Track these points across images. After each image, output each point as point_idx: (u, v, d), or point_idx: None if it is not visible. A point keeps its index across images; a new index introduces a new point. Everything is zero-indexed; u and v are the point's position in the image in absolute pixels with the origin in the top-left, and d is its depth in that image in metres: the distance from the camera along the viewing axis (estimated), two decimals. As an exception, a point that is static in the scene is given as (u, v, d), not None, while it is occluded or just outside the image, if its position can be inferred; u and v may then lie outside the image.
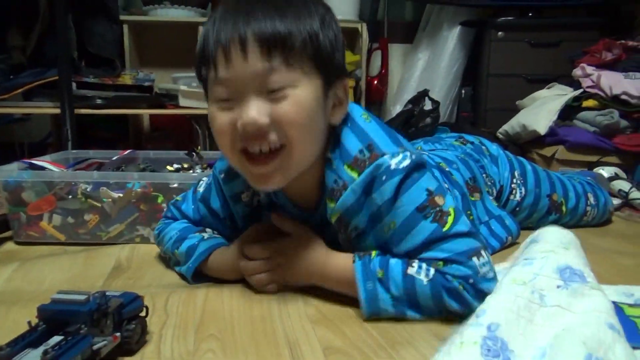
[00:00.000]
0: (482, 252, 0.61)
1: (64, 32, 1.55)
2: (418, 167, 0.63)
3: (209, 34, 0.60)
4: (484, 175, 0.96)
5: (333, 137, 0.66)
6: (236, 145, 0.61)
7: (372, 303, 0.61)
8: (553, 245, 0.58)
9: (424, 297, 0.60)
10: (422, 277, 0.60)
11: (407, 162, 0.62)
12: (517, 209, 1.01)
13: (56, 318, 0.49)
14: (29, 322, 0.49)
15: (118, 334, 0.51)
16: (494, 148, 1.04)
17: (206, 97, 0.64)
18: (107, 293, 0.53)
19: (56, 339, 0.47)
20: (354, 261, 0.64)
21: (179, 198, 0.84)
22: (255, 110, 0.57)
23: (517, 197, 1.01)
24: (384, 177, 0.61)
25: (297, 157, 0.62)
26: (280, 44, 0.57)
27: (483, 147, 1.03)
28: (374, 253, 0.65)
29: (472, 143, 1.03)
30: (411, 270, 0.61)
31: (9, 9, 1.60)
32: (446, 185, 0.82)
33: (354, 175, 0.63)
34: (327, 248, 0.69)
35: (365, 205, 0.64)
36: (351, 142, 0.64)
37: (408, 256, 0.63)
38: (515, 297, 0.50)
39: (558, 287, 0.51)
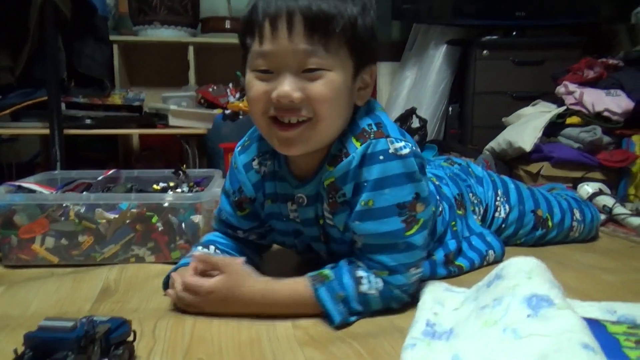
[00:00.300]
0: (419, 264, 0.72)
1: (53, 53, 1.56)
2: (421, 167, 0.69)
3: (259, 3, 0.64)
4: (470, 194, 0.99)
5: (351, 116, 0.72)
6: (267, 113, 0.66)
7: (344, 321, 0.67)
8: (517, 279, 0.60)
9: (376, 305, 0.70)
10: (373, 292, 0.68)
11: (406, 151, 0.67)
12: (503, 225, 1.04)
13: (43, 345, 0.49)
14: (15, 351, 0.49)
15: (105, 360, 0.51)
16: (479, 170, 1.08)
17: (243, 63, 0.68)
18: (95, 318, 0.53)
19: (43, 366, 0.47)
20: (315, 288, 0.68)
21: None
22: (290, 86, 0.63)
23: (502, 215, 1.03)
24: (380, 157, 0.66)
25: (321, 130, 0.67)
26: (322, 27, 0.62)
27: (469, 169, 1.07)
28: (329, 275, 0.69)
29: (459, 164, 1.08)
30: (362, 288, 0.68)
31: (-2, 30, 1.61)
32: (438, 197, 0.87)
33: (358, 145, 0.68)
34: (263, 277, 0.71)
35: (356, 175, 0.68)
36: (363, 119, 0.71)
37: (363, 246, 0.70)
38: (487, 342, 0.52)
39: (528, 316, 0.53)
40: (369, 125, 0.69)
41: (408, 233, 0.69)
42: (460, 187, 0.97)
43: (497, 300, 0.59)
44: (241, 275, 0.69)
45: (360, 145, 0.67)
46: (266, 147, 0.77)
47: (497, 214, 1.03)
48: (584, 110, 1.71)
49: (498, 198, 1.03)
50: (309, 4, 0.61)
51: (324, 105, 0.64)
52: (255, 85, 0.66)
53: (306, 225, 0.79)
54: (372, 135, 0.68)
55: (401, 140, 0.68)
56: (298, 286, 0.69)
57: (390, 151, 0.66)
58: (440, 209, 0.87)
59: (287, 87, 0.63)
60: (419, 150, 0.71)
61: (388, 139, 0.67)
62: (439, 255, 0.86)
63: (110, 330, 0.53)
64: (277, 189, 0.78)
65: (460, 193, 0.96)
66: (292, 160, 0.76)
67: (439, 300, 0.70)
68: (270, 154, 0.78)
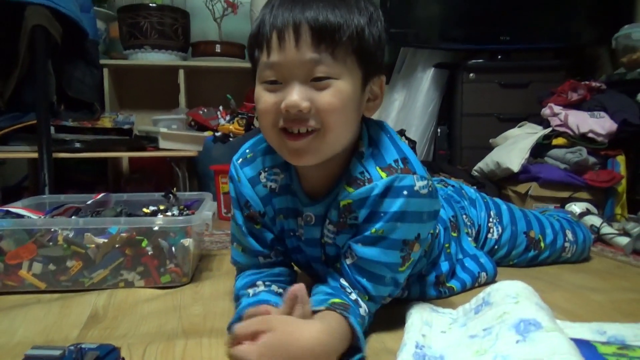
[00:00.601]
0: (393, 295, 0.74)
1: (43, 77, 1.56)
2: (434, 212, 0.70)
3: (266, 18, 0.65)
4: (464, 215, 1.00)
5: (369, 137, 0.72)
6: (277, 125, 0.66)
7: (365, 347, 0.64)
8: (504, 306, 0.61)
9: (363, 329, 0.67)
10: (365, 315, 0.68)
11: (426, 191, 0.68)
12: (496, 246, 1.05)
13: (29, 375, 0.48)
14: (1, 380, 0.48)
15: (93, 389, 0.50)
16: (471, 192, 1.09)
17: (253, 77, 0.69)
18: (83, 346, 0.52)
19: (29, 397, 0.46)
20: (346, 316, 0.62)
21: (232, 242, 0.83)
22: (299, 96, 0.63)
23: (495, 236, 1.04)
24: (405, 192, 0.66)
25: (330, 140, 0.66)
26: (329, 36, 0.62)
27: (462, 191, 1.08)
28: (344, 300, 0.66)
29: (452, 186, 1.09)
30: (362, 311, 0.68)
31: (-12, 55, 1.61)
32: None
33: (383, 175, 0.68)
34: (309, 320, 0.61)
35: (375, 204, 0.68)
36: (389, 153, 0.70)
37: (354, 266, 0.69)
38: None
39: (517, 342, 0.53)
40: (396, 161, 0.69)
41: (401, 269, 0.70)
42: (454, 208, 0.98)
43: (486, 330, 0.59)
44: (291, 325, 0.58)
45: (386, 176, 0.67)
46: (273, 161, 0.76)
47: (489, 235, 1.04)
48: (569, 131, 1.74)
49: (491, 219, 1.05)
50: (315, 15, 0.62)
51: (332, 115, 0.64)
52: (264, 96, 0.66)
53: (308, 245, 0.78)
54: (399, 171, 0.68)
55: (425, 178, 0.68)
56: (334, 320, 0.62)
57: (415, 188, 0.66)
58: (436, 231, 0.87)
59: (295, 96, 0.62)
60: (437, 189, 0.71)
61: (415, 176, 0.67)
62: (431, 276, 0.86)
63: (99, 358, 0.52)
64: (288, 203, 0.77)
65: (454, 215, 0.96)
66: (304, 176, 0.75)
67: (426, 321, 0.71)
68: (281, 168, 0.77)
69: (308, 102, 0.63)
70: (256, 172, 0.77)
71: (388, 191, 0.67)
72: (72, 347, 0.51)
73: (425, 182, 0.68)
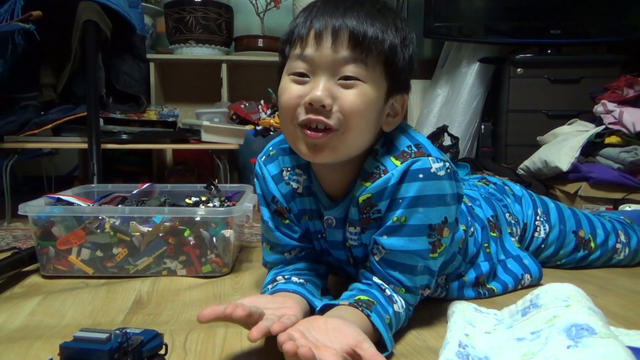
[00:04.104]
0: (431, 286, 0.72)
1: (94, 72, 1.61)
2: (457, 195, 0.69)
3: (304, 20, 0.66)
4: (506, 214, 0.97)
5: (385, 137, 0.71)
6: (297, 118, 0.65)
7: (391, 345, 0.64)
8: (554, 309, 0.59)
9: (398, 326, 0.68)
10: (401, 311, 0.68)
11: (442, 173, 0.66)
12: (543, 245, 1.01)
13: (78, 356, 0.50)
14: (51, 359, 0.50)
15: (137, 373, 0.51)
16: (517, 189, 1.06)
17: (279, 75, 0.70)
18: (128, 330, 0.53)
19: (77, 377, 0.47)
20: (368, 314, 0.63)
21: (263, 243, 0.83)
22: (324, 92, 0.63)
23: (542, 234, 1.01)
24: (420, 175, 0.65)
25: (347, 141, 0.66)
26: (365, 43, 0.63)
27: (506, 187, 1.04)
28: (371, 298, 0.66)
29: (494, 184, 1.05)
30: (395, 307, 0.67)
31: (43, 49, 1.68)
32: (469, 218, 0.85)
33: (397, 164, 0.67)
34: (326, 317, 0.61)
35: (393, 192, 0.67)
36: (401, 142, 0.70)
37: (383, 260, 0.68)
38: None
39: (568, 347, 0.51)
40: (409, 147, 0.69)
41: (432, 255, 0.68)
42: (495, 208, 0.95)
43: (535, 333, 0.57)
44: (307, 321, 0.60)
45: (401, 164, 0.67)
46: (295, 161, 0.77)
47: (536, 234, 1.01)
48: (624, 129, 1.66)
49: (538, 217, 1.01)
50: (355, 23, 0.63)
51: (354, 116, 0.64)
52: (289, 88, 0.66)
53: (333, 248, 0.78)
54: (412, 155, 0.67)
55: (441, 160, 0.67)
56: (353, 316, 0.62)
57: (432, 170, 0.66)
58: (472, 230, 0.85)
59: (321, 91, 0.63)
60: (457, 172, 0.70)
61: (430, 158, 0.66)
62: (470, 276, 0.84)
63: (143, 343, 0.53)
64: (311, 205, 0.77)
65: (494, 215, 0.93)
66: (322, 178, 0.74)
67: (469, 320, 0.69)
68: (303, 169, 0.77)
69: (331, 99, 0.63)
70: (279, 170, 0.78)
71: (404, 177, 0.66)
72: (117, 331, 0.52)
73: (442, 164, 0.67)
